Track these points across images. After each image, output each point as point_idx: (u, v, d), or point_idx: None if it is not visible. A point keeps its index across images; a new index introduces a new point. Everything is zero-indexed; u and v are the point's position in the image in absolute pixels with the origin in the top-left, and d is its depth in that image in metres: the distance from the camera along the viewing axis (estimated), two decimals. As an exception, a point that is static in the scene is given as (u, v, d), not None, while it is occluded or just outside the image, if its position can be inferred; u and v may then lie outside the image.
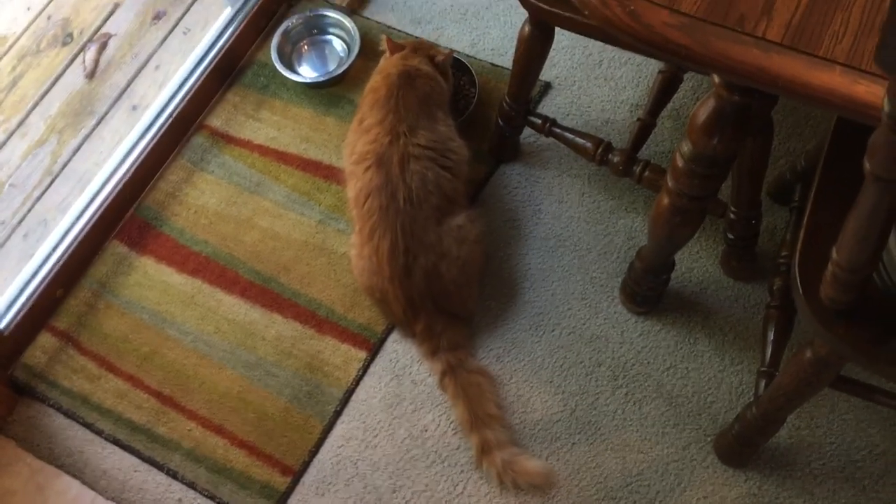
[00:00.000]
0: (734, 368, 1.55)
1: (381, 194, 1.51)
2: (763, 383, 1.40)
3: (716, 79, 1.04)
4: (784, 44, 0.79)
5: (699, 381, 1.54)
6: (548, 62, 1.61)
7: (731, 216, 1.51)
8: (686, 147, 1.17)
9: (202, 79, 1.90)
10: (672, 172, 1.23)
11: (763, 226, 1.58)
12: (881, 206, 0.76)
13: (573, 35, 1.86)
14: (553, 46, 1.56)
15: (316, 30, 1.93)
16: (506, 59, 1.87)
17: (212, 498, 1.54)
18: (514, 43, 1.81)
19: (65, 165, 1.96)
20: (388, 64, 1.62)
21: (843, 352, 1.06)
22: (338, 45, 1.93)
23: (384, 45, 1.68)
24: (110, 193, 1.78)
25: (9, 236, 1.89)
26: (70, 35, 2.15)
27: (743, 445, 1.41)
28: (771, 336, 1.44)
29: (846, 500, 1.44)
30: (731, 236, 1.55)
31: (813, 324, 1.05)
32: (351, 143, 1.60)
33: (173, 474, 1.56)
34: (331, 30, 1.93)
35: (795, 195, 1.57)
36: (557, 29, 1.49)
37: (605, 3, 0.83)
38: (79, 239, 1.73)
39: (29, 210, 1.92)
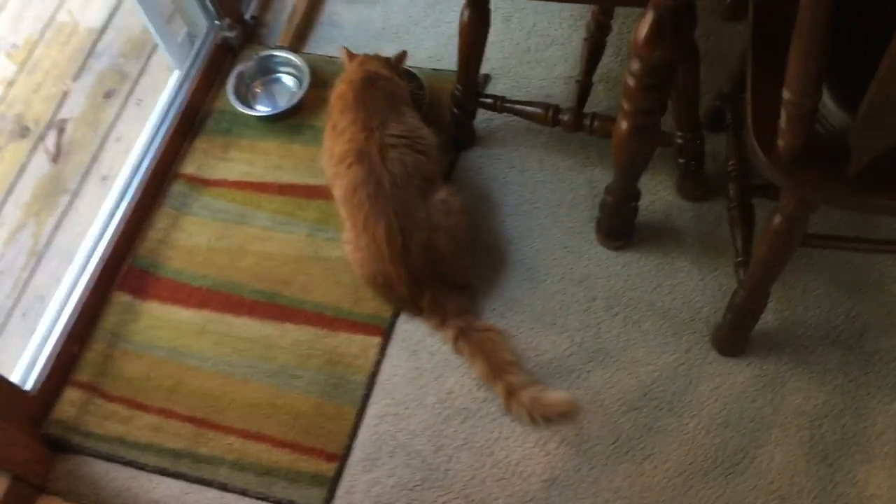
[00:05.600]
0: (713, 275, 1.72)
1: (368, 184, 1.65)
2: (742, 271, 1.56)
3: (650, -9, 1.23)
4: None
5: (685, 293, 1.71)
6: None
7: (679, 141, 1.70)
8: (634, 65, 1.35)
9: (167, 136, 2.01)
10: (626, 95, 1.41)
11: (707, 151, 1.77)
12: (818, 16, 0.95)
13: (500, 29, 2.08)
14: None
15: (267, 70, 2.08)
16: (444, 63, 2.06)
17: (266, 499, 1.60)
18: (447, 49, 2.02)
19: (48, 243, 2.04)
20: (349, 72, 1.78)
21: (807, 194, 1.23)
22: (288, 80, 2.09)
23: (342, 56, 1.85)
24: (104, 252, 1.86)
25: (7, 318, 1.95)
26: (26, 128, 2.25)
27: (737, 331, 1.57)
28: (738, 232, 1.61)
29: (837, 360, 1.61)
30: (681, 161, 1.74)
31: (777, 176, 1.22)
32: (328, 147, 1.74)
33: (223, 487, 1.62)
34: (280, 69, 2.09)
35: (727, 116, 1.77)
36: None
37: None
38: (84, 297, 1.80)
39: (22, 291, 1.98)
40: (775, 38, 1.30)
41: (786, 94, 1.09)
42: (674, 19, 1.27)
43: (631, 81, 1.38)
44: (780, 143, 1.19)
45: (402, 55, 1.86)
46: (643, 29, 1.29)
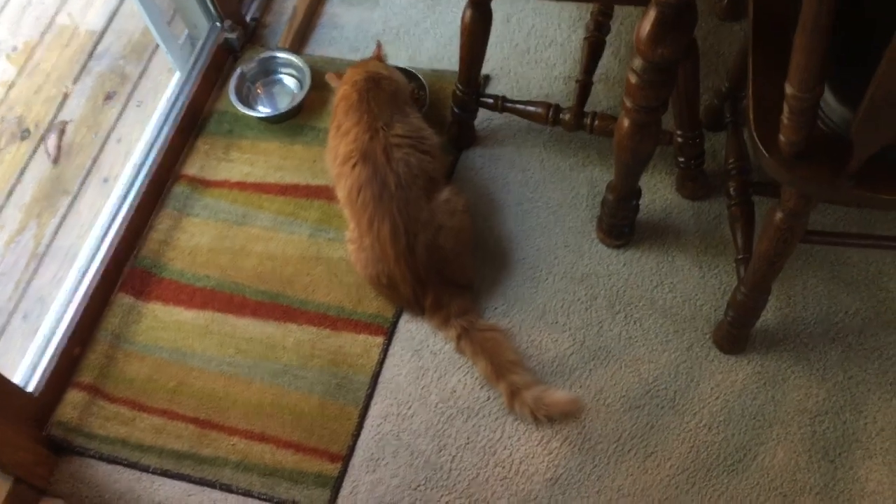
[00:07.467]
0: (713, 273, 1.72)
1: (373, 185, 1.65)
2: (742, 268, 1.57)
3: (653, -10, 1.24)
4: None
5: (686, 291, 1.71)
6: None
7: (679, 140, 1.71)
8: (637, 62, 1.36)
9: (169, 137, 2.01)
10: (628, 92, 1.42)
11: (706, 150, 1.78)
12: (822, 11, 0.95)
13: (499, 31, 2.09)
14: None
15: (268, 71, 2.09)
16: (444, 63, 2.07)
17: (269, 500, 1.60)
18: (447, 50, 2.03)
19: (49, 245, 2.05)
20: (352, 73, 1.79)
21: (808, 190, 1.24)
22: (289, 82, 2.09)
23: (331, 82, 1.85)
24: (106, 254, 1.86)
25: (8, 321, 1.95)
26: (27, 130, 2.25)
27: (738, 328, 1.58)
28: (739, 230, 1.62)
29: (837, 357, 1.61)
30: (681, 160, 1.75)
31: (779, 172, 1.23)
32: (332, 148, 1.74)
33: (227, 488, 1.62)
34: (281, 70, 2.09)
35: (726, 115, 1.78)
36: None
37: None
38: (86, 298, 1.80)
39: (23, 293, 1.99)
40: (776, 34, 1.32)
41: (788, 89, 1.10)
42: (676, 17, 1.28)
43: (633, 79, 1.39)
44: (782, 138, 1.19)
45: (378, 46, 1.87)
46: (646, 26, 1.30)
